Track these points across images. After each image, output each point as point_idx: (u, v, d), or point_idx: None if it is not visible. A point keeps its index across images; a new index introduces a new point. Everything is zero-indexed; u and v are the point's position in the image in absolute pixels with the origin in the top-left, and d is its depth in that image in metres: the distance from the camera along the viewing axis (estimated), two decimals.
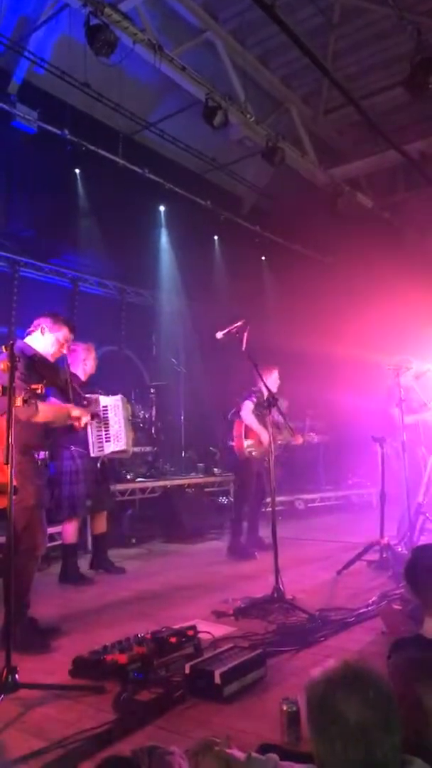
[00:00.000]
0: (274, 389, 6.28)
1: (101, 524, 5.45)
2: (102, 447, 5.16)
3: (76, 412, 3.89)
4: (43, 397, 3.72)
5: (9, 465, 2.75)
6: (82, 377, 5.28)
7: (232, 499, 8.53)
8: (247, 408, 6.16)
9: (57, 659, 3.20)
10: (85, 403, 4.71)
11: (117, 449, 5.24)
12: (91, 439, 5.08)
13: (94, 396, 5.04)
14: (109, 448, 5.20)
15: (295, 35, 6.58)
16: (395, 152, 8.98)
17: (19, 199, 7.90)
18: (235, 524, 6.21)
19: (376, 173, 10.43)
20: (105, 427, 5.18)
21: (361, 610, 3.86)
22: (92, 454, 5.10)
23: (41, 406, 3.48)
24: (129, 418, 5.53)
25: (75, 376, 5.08)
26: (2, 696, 2.56)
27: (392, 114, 9.57)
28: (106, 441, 5.19)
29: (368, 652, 3.12)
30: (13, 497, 2.98)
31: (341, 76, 8.15)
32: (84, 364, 5.33)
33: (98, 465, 5.27)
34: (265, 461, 6.14)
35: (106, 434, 5.19)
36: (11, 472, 2.76)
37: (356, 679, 1.27)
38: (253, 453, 6.09)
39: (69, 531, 5.14)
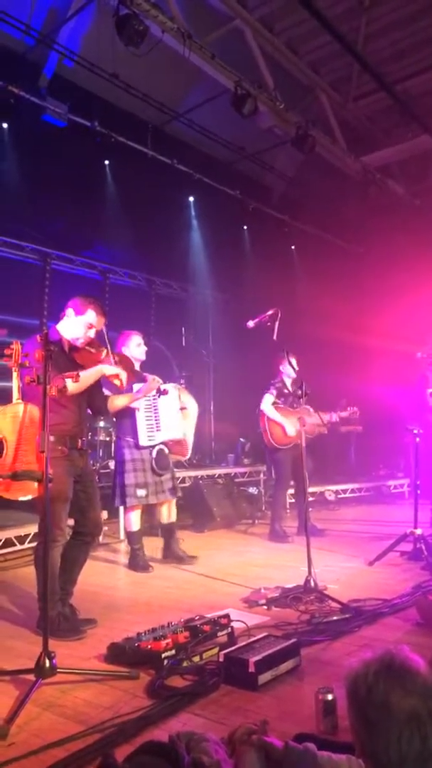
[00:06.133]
0: (293, 376, 6.37)
1: (166, 513, 5.35)
2: (153, 436, 5.08)
3: (109, 370, 3.66)
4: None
5: (45, 454, 2.76)
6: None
7: (261, 489, 8.54)
8: (267, 401, 6.30)
9: (91, 645, 3.24)
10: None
11: (168, 439, 5.18)
12: (140, 428, 5.03)
13: (150, 376, 4.87)
14: (160, 437, 5.12)
15: (326, 19, 6.47)
16: (427, 137, 8.81)
17: (50, 192, 7.94)
18: (274, 510, 6.44)
19: (407, 160, 10.24)
20: (155, 416, 5.10)
21: (395, 601, 3.82)
22: (140, 443, 5.05)
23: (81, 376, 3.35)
24: (181, 408, 5.36)
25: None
26: (40, 680, 2.60)
27: (425, 98, 9.37)
28: (157, 430, 5.10)
29: (404, 642, 3.08)
30: (35, 487, 3.02)
31: (372, 61, 7.99)
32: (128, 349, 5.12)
33: (152, 455, 5.13)
34: (298, 449, 6.19)
35: (156, 424, 5.10)
36: (46, 461, 2.78)
37: (403, 668, 1.24)
38: (281, 443, 6.17)
39: (127, 519, 5.21)
